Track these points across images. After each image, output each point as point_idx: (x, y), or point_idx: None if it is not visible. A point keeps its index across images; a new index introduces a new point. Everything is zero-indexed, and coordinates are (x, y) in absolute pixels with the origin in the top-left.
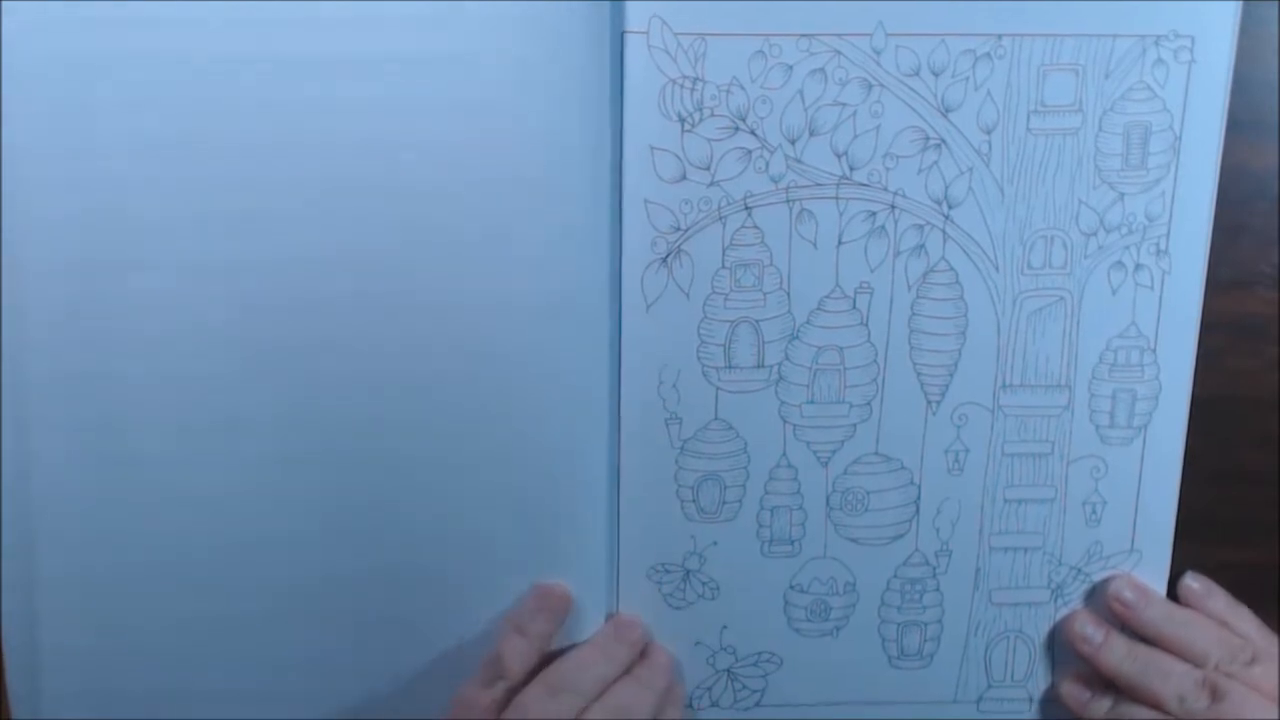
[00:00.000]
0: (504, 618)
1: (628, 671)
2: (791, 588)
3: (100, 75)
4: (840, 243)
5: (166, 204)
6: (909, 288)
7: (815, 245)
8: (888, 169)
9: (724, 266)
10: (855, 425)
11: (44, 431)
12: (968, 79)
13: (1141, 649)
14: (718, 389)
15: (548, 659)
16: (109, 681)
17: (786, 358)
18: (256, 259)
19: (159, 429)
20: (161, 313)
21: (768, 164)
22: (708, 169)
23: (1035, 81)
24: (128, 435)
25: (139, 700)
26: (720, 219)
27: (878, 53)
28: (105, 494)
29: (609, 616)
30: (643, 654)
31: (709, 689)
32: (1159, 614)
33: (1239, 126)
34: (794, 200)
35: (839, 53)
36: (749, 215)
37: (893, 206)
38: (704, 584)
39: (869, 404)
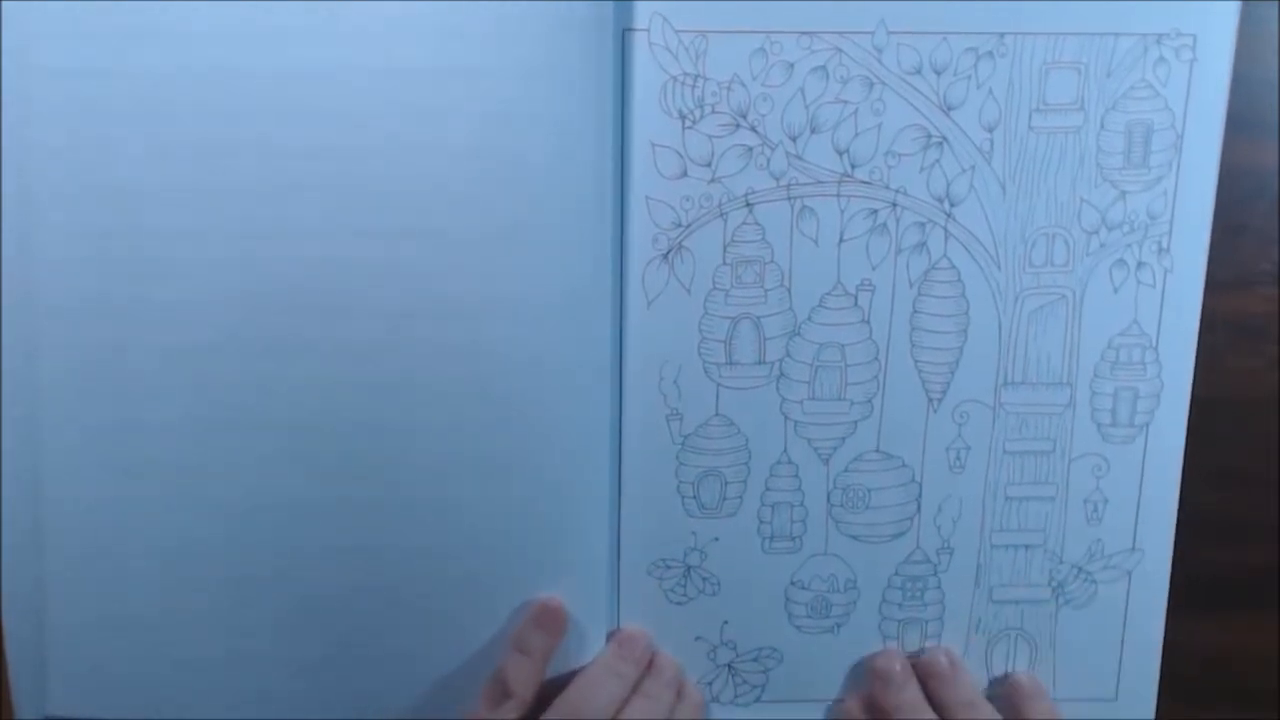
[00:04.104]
0: (506, 638)
1: (637, 685)
2: (792, 584)
3: (115, 79)
4: (842, 240)
5: (178, 205)
6: (910, 285)
7: (816, 242)
8: (889, 167)
9: (725, 263)
10: (856, 422)
11: (51, 415)
12: (970, 77)
13: (927, 708)
14: (719, 385)
15: (553, 681)
16: (113, 667)
17: (788, 354)
18: (259, 253)
19: (167, 419)
20: (171, 304)
21: (769, 161)
22: (709, 166)
23: (1037, 80)
24: (137, 424)
25: (141, 687)
26: (721, 215)
27: (879, 50)
28: (113, 479)
29: (610, 633)
30: (649, 665)
31: (709, 684)
32: (964, 697)
33: (1239, 126)
34: (795, 197)
35: (840, 50)
36: (750, 212)
37: (894, 204)
38: (705, 580)
39: (870, 401)
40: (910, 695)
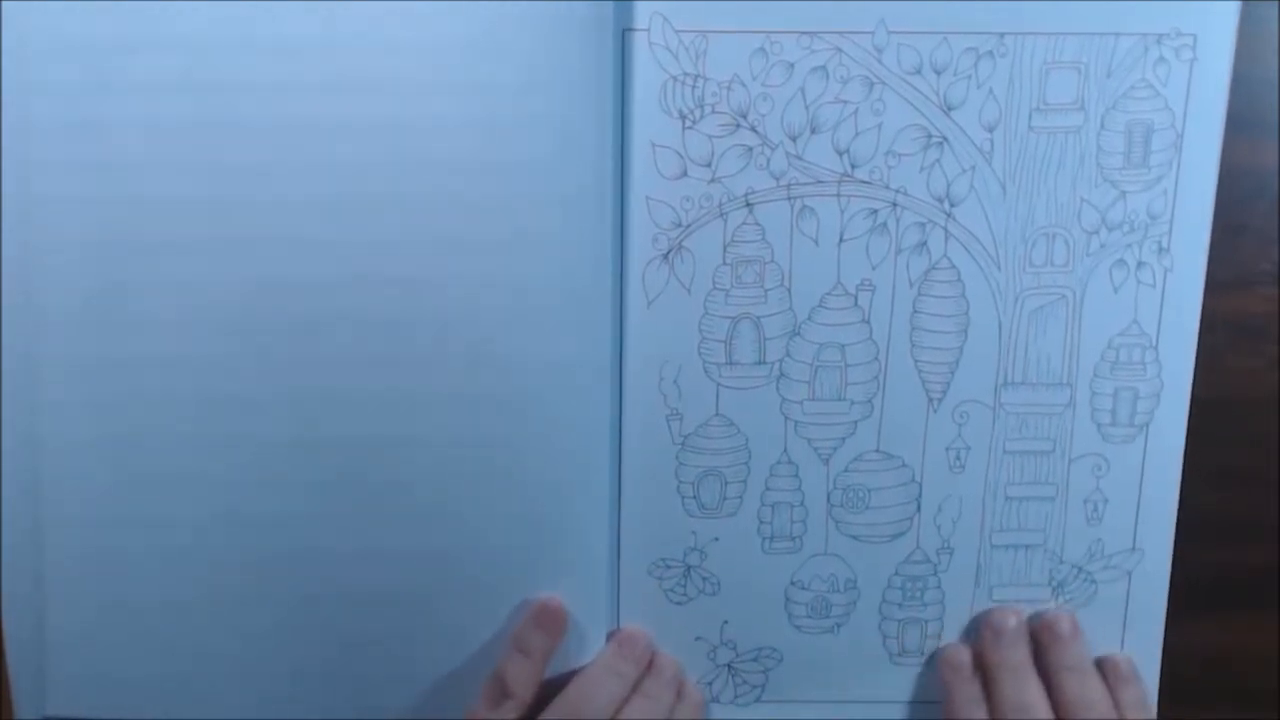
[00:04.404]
0: (506, 638)
1: (637, 685)
2: (792, 584)
3: (115, 84)
4: (842, 240)
5: (179, 212)
6: (910, 285)
7: (817, 242)
8: (889, 167)
9: (725, 263)
10: (856, 422)
11: (51, 415)
12: (970, 77)
13: (1033, 670)
14: (719, 385)
15: (553, 681)
16: (113, 667)
17: (788, 354)
18: (260, 259)
19: (167, 420)
20: (172, 299)
21: (769, 161)
22: (709, 166)
23: (1037, 80)
24: (138, 424)
25: (141, 687)
26: (721, 215)
27: (879, 50)
28: (113, 479)
29: (610, 633)
30: (649, 664)
31: (709, 684)
32: (1076, 663)
33: (1239, 126)
34: (795, 197)
35: (840, 50)
36: (750, 212)
37: (894, 204)
38: (705, 579)
39: (870, 401)
40: (1018, 655)
